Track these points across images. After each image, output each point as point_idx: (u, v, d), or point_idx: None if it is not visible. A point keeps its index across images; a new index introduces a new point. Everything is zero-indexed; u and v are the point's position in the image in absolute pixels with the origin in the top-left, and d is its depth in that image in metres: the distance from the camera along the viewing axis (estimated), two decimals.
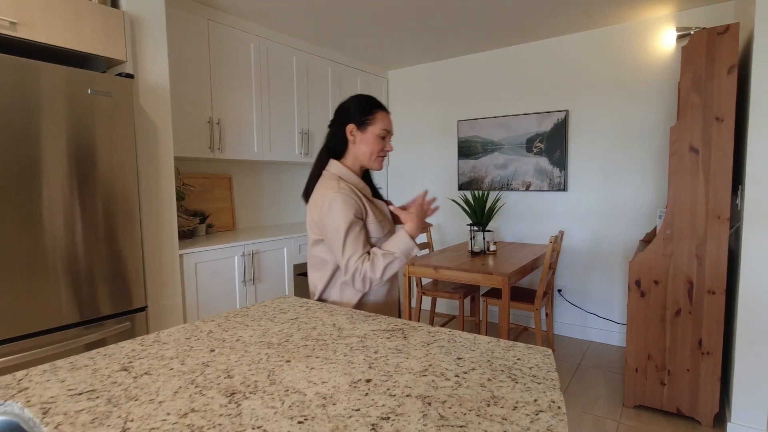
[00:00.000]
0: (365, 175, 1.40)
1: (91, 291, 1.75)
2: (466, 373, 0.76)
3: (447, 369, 0.78)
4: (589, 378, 2.66)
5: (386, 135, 1.31)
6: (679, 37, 2.51)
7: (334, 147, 1.33)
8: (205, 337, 0.95)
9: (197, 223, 2.67)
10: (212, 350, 0.88)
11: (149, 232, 2.06)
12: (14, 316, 1.55)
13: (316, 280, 1.32)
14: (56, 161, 1.64)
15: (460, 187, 3.78)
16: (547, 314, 3.04)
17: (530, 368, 0.78)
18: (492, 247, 2.96)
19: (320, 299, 1.32)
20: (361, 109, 1.29)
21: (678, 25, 2.75)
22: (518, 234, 3.55)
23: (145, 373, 0.77)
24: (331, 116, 3.55)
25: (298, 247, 2.91)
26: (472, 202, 3.05)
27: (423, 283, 3.33)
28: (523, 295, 2.92)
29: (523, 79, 3.42)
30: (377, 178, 4.36)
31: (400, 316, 1.48)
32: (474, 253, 2.94)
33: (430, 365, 0.79)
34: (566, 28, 3.08)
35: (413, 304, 4.15)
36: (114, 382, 0.74)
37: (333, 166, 1.32)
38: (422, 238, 4.09)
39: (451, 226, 3.92)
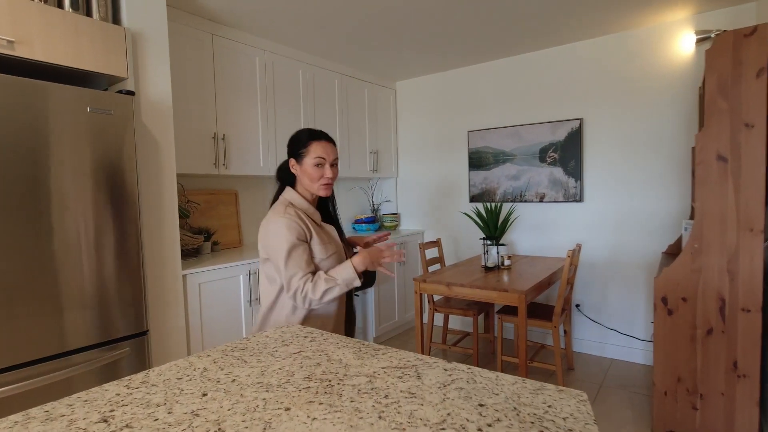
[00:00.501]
0: (322, 201, 1.53)
1: (88, 316, 1.68)
2: (490, 425, 0.66)
3: (468, 420, 0.68)
4: (613, 399, 2.51)
5: (322, 162, 1.39)
6: (699, 41, 2.41)
7: (285, 178, 1.47)
8: (198, 377, 0.87)
9: (202, 241, 2.60)
10: (204, 394, 0.79)
11: (151, 251, 1.99)
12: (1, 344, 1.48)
13: (267, 292, 1.42)
14: (55, 181, 1.58)
15: (472, 200, 3.68)
16: (565, 331, 2.91)
17: (564, 419, 0.68)
18: (506, 262, 2.84)
19: (270, 309, 1.41)
20: (297, 143, 1.42)
21: (697, 29, 2.65)
22: (532, 247, 3.43)
23: (126, 426, 0.68)
24: (338, 129, 3.51)
25: None
26: (485, 215, 2.95)
27: (435, 299, 3.22)
28: (539, 312, 2.80)
29: (535, 88, 3.33)
30: (386, 191, 4.28)
31: (352, 332, 1.56)
32: (487, 269, 2.83)
33: (448, 415, 0.70)
34: (579, 34, 2.99)
35: (425, 320, 4.03)
36: None
37: (287, 192, 1.45)
38: (434, 252, 3.99)
39: (463, 239, 3.81)
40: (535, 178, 3.33)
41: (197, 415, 0.71)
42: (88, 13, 1.84)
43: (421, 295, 2.68)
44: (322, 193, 1.41)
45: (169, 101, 2.07)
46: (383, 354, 0.97)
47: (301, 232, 1.33)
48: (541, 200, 3.31)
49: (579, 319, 3.23)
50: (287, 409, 0.73)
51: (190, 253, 2.58)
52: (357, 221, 3.96)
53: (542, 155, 3.28)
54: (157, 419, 0.70)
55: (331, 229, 1.48)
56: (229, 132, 2.68)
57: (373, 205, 4.26)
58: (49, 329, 1.57)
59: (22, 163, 1.51)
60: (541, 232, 3.38)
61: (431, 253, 4.00)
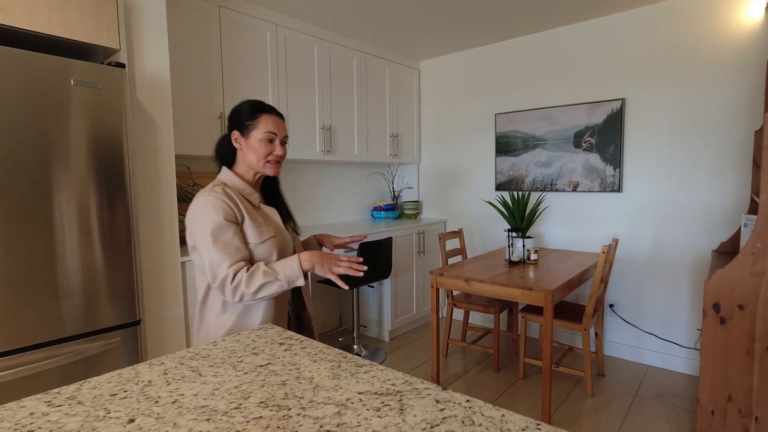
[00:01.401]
0: (267, 182, 1.35)
1: (73, 304, 1.58)
2: None
3: None
4: (650, 412, 2.26)
5: (273, 138, 1.23)
6: None
7: (222, 154, 1.28)
8: (136, 394, 0.71)
9: None
10: (131, 420, 0.64)
11: (147, 236, 1.88)
12: None
13: (199, 284, 1.23)
14: (35, 159, 1.47)
15: (498, 188, 3.42)
16: (596, 333, 2.65)
17: None
18: (533, 257, 2.60)
19: (202, 305, 1.22)
20: (243, 114, 1.23)
21: None
22: (563, 241, 3.16)
23: None
24: (356, 111, 3.32)
25: None
26: (511, 205, 2.70)
27: (454, 294, 3.02)
28: (568, 312, 2.55)
29: (571, 66, 3.02)
30: (408, 177, 4.07)
31: (305, 333, 1.40)
32: (512, 263, 2.60)
33: None
34: (623, 3, 2.66)
35: (442, 315, 3.84)
36: None
37: (223, 173, 1.27)
38: (455, 243, 3.77)
39: (487, 230, 3.57)
40: (568, 165, 3.04)
41: None
42: None
43: (437, 289, 2.48)
44: (270, 171, 1.24)
45: (166, 77, 1.93)
46: (366, 373, 0.79)
47: (229, 211, 1.15)
48: (575, 189, 3.02)
49: (612, 321, 2.96)
50: None
51: None
52: (376, 208, 3.78)
53: (577, 140, 2.99)
54: None
55: (271, 211, 1.29)
56: None
57: (394, 192, 4.06)
58: (29, 318, 1.48)
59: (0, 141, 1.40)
60: (573, 224, 3.10)
61: (452, 244, 3.78)
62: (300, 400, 0.69)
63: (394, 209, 3.80)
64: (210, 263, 1.11)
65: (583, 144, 2.96)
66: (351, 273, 1.14)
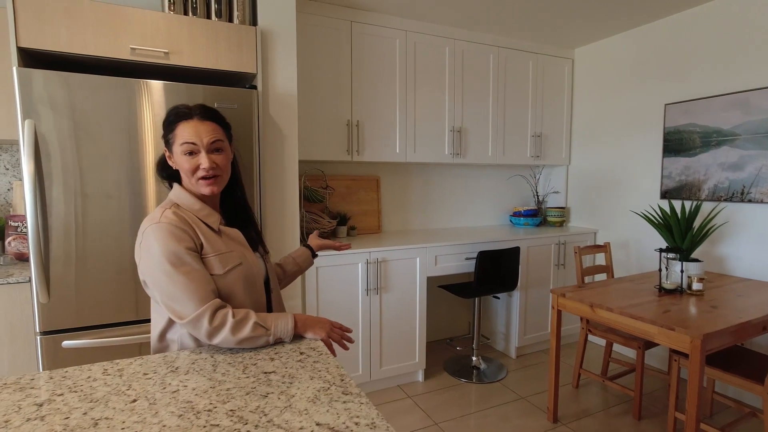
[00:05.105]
0: (231, 199, 1.18)
1: None
2: None
3: None
4: None
5: (194, 150, 1.02)
6: None
7: (166, 172, 1.11)
8: (158, 377, 0.85)
9: (335, 225, 2.72)
10: (134, 401, 0.76)
11: (271, 234, 2.17)
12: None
13: (158, 317, 1.07)
14: None
15: (664, 195, 2.79)
16: None
17: None
18: (695, 285, 2.04)
19: (160, 339, 1.05)
20: (165, 126, 1.06)
21: None
22: (758, 267, 2.38)
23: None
24: (491, 111, 3.14)
25: (434, 257, 2.66)
26: (671, 217, 2.18)
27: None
28: (747, 364, 1.92)
29: None
30: (555, 180, 3.66)
31: None
32: (664, 291, 2.10)
33: None
34: None
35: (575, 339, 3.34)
36: None
37: (174, 191, 1.09)
38: (600, 259, 3.23)
39: (647, 246, 2.95)
40: None
41: (96, 424, 0.68)
42: (230, 19, 2.07)
43: (559, 312, 2.18)
44: (204, 190, 1.04)
45: (294, 93, 2.18)
46: (344, 403, 0.76)
47: (186, 238, 0.98)
48: None
49: None
50: None
51: (326, 236, 2.73)
52: (515, 214, 3.52)
53: None
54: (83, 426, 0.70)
55: (234, 234, 1.10)
56: (363, 118, 2.69)
57: (538, 196, 3.71)
58: None
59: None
60: None
61: (599, 260, 3.25)
62: (263, 416, 0.71)
63: (536, 215, 3.47)
64: (170, 298, 0.94)
65: None
66: (341, 346, 1.08)
